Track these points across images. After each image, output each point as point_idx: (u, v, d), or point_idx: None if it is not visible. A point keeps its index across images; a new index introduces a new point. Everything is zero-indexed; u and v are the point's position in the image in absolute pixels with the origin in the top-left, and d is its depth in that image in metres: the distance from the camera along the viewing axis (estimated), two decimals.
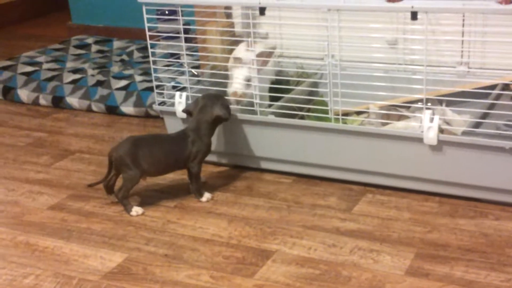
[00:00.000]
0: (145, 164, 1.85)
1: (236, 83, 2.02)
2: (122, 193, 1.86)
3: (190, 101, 2.09)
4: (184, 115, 2.08)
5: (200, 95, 2.11)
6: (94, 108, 2.69)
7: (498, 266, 1.54)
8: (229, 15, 2.38)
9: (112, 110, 2.65)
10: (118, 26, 3.59)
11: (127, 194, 1.87)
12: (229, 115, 1.94)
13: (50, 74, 2.89)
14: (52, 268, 1.65)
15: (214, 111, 1.92)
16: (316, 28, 2.16)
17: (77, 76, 2.84)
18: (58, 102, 2.76)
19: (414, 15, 1.75)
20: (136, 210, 1.87)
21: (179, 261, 1.65)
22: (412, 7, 1.74)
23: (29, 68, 2.98)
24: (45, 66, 3.03)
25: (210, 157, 2.10)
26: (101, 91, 2.69)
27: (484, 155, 1.73)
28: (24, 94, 2.83)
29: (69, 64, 3.05)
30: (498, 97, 1.92)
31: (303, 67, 2.27)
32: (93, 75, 2.83)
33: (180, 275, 1.59)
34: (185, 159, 1.90)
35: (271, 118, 1.99)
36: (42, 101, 2.80)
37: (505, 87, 1.97)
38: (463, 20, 2.06)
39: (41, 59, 3.15)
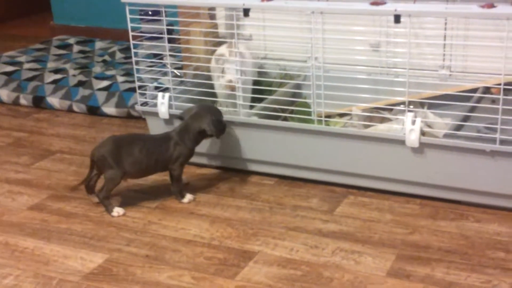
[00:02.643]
0: (127, 164, 1.84)
1: (229, 74, 2.00)
2: (103, 193, 1.85)
3: (172, 102, 2.08)
4: (166, 116, 2.07)
5: (181, 96, 2.11)
6: (75, 108, 2.67)
7: (478, 268, 1.55)
8: (212, 16, 2.38)
9: (94, 110, 2.63)
10: (101, 27, 3.57)
11: (108, 194, 1.85)
12: (218, 133, 1.90)
13: (31, 74, 2.87)
14: (32, 269, 1.63)
15: (202, 123, 1.89)
16: (299, 30, 2.17)
17: (58, 76, 2.81)
18: (38, 102, 2.74)
19: (397, 18, 1.76)
20: (117, 210, 1.86)
21: (160, 262, 1.63)
22: (396, 10, 1.74)
23: (9, 68, 2.95)
24: (26, 66, 3.00)
25: (193, 159, 2.09)
26: (83, 92, 2.67)
27: (465, 157, 1.74)
28: (4, 94, 2.80)
29: (50, 64, 3.03)
30: (479, 100, 1.94)
31: (286, 69, 2.27)
32: (74, 75, 2.81)
33: (161, 276, 1.58)
34: (166, 161, 1.89)
35: (254, 119, 1.99)
36: (22, 101, 2.77)
37: (486, 90, 1.99)
38: (445, 24, 2.08)
39: (22, 59, 3.12)
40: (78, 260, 1.66)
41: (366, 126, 1.96)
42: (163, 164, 1.89)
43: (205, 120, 1.90)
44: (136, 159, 1.84)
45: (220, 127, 1.92)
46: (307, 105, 2.11)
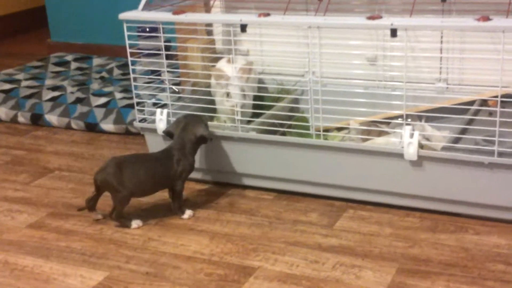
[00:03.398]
0: (131, 185, 1.83)
1: (234, 98, 2.03)
2: (116, 214, 1.85)
3: (171, 118, 2.08)
4: None
5: (179, 112, 2.11)
6: (73, 125, 2.67)
7: (478, 280, 1.54)
8: (210, 32, 2.39)
9: (92, 127, 2.63)
10: (98, 44, 3.58)
11: (121, 214, 1.86)
12: (211, 134, 1.94)
13: (29, 91, 2.87)
14: (32, 287, 1.62)
15: (198, 130, 1.91)
16: (297, 45, 2.18)
17: (56, 93, 2.82)
18: (37, 119, 2.74)
19: (393, 32, 1.77)
20: (136, 222, 1.87)
21: (160, 279, 1.63)
22: (392, 24, 1.76)
23: (7, 86, 2.95)
24: (24, 83, 3.00)
25: (192, 174, 2.09)
26: (81, 108, 2.68)
27: (464, 170, 1.75)
28: (2, 112, 2.80)
29: (48, 82, 3.03)
30: (476, 112, 1.95)
31: (284, 83, 2.28)
32: (72, 92, 2.82)
33: None
34: (170, 178, 1.89)
35: (253, 134, 1.99)
36: (20, 118, 2.78)
37: (483, 102, 2.00)
38: (442, 37, 2.09)
39: (20, 76, 3.13)
40: (78, 278, 1.66)
41: (364, 140, 1.96)
42: (167, 182, 1.89)
43: (200, 127, 1.91)
44: (139, 179, 1.84)
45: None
46: (305, 119, 2.12)
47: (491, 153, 1.71)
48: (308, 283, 1.57)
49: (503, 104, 1.72)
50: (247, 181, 2.06)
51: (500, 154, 1.70)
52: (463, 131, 1.87)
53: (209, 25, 2.36)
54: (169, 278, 1.63)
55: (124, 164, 1.85)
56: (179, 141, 1.92)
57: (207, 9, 2.37)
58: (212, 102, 2.17)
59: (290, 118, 2.13)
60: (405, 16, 1.88)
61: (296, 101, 2.24)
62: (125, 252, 1.75)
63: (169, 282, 1.61)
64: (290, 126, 2.10)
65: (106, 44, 3.52)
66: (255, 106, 2.14)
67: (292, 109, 2.20)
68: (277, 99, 2.25)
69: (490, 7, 1.92)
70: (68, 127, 2.69)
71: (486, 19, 1.69)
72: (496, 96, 1.72)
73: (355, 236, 1.77)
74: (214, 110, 2.15)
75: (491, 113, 1.90)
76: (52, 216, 1.98)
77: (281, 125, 2.06)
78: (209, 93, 2.20)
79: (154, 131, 2.11)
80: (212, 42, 2.38)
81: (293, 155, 1.95)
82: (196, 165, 2.05)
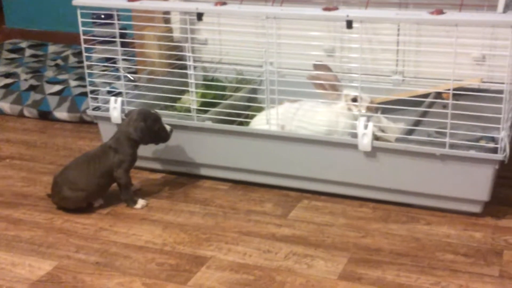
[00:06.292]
0: (83, 186, 1.82)
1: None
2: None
3: (125, 106, 2.04)
4: (119, 121, 2.04)
5: (134, 100, 2.08)
6: (26, 113, 2.61)
7: (428, 270, 1.56)
8: (167, 20, 2.36)
9: (45, 115, 2.58)
10: (55, 31, 3.50)
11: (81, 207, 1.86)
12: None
13: None
14: None
15: (129, 128, 1.85)
16: (255, 35, 2.17)
17: (9, 80, 2.75)
18: None
19: (349, 24, 1.77)
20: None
21: (110, 269, 1.60)
22: (347, 15, 1.76)
23: None
24: None
25: (146, 164, 2.07)
26: (34, 96, 2.62)
27: (416, 161, 1.76)
28: None
29: (1, 68, 2.96)
30: (430, 105, 1.97)
31: (242, 73, 2.27)
32: (26, 80, 2.75)
33: (111, 283, 1.55)
34: (111, 171, 1.85)
35: (208, 124, 1.97)
36: None
37: (438, 95, 2.02)
38: (398, 30, 2.11)
39: None
40: (26, 267, 1.62)
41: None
42: (111, 174, 1.86)
43: (133, 125, 1.85)
44: (88, 180, 1.83)
45: (151, 134, 1.87)
46: (262, 109, 2.11)
47: (443, 144, 1.73)
48: (260, 273, 1.57)
49: (456, 97, 1.74)
50: (202, 171, 2.05)
51: (452, 146, 1.72)
52: (417, 123, 1.89)
53: (167, 13, 2.33)
54: (119, 268, 1.61)
55: (69, 168, 1.84)
56: (117, 132, 1.88)
57: None
58: (167, 91, 2.14)
59: (247, 108, 2.12)
60: (362, 8, 1.89)
61: (254, 91, 2.23)
62: (75, 242, 1.72)
63: (119, 271, 1.59)
64: (247, 116, 2.09)
65: (63, 31, 3.45)
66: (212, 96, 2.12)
67: (249, 99, 2.19)
68: (235, 89, 2.23)
69: (445, 1, 1.94)
70: (20, 115, 2.63)
71: (440, 12, 1.71)
72: (449, 89, 1.73)
73: (308, 226, 1.77)
74: (170, 99, 2.12)
75: (445, 106, 1.92)
76: (1, 205, 1.93)
77: (238, 115, 2.05)
78: (164, 82, 2.17)
79: (108, 119, 2.08)
80: (170, 30, 2.35)
81: (249, 145, 1.94)
82: (150, 154, 2.03)
